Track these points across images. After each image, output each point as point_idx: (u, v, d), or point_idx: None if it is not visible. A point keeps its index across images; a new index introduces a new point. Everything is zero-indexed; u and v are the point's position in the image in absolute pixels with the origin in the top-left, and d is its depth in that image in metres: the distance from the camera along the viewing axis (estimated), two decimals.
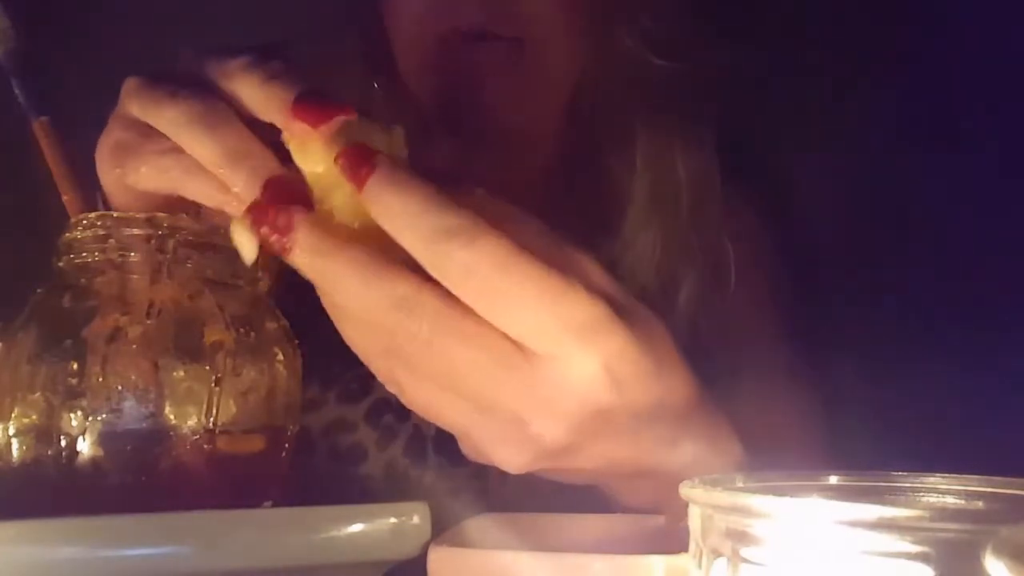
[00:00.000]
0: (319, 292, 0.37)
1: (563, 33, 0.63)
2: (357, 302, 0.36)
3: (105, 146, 0.43)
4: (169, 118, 0.40)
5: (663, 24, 0.65)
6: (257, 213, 0.36)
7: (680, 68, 0.64)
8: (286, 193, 0.37)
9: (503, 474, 0.41)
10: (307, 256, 0.35)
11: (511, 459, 0.39)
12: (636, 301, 0.39)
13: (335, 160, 0.36)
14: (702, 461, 0.43)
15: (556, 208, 0.36)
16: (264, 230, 0.36)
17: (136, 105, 0.41)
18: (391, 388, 0.40)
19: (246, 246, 0.36)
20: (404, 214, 0.35)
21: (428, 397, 0.39)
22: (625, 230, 0.66)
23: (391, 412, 0.63)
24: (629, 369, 0.37)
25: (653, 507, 0.45)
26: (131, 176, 0.41)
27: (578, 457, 0.40)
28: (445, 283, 0.35)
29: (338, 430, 0.64)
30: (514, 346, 0.36)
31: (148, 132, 0.41)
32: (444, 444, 0.62)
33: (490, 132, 0.64)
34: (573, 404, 0.37)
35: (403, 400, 0.40)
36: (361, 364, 0.65)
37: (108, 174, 0.43)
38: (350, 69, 0.67)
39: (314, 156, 0.37)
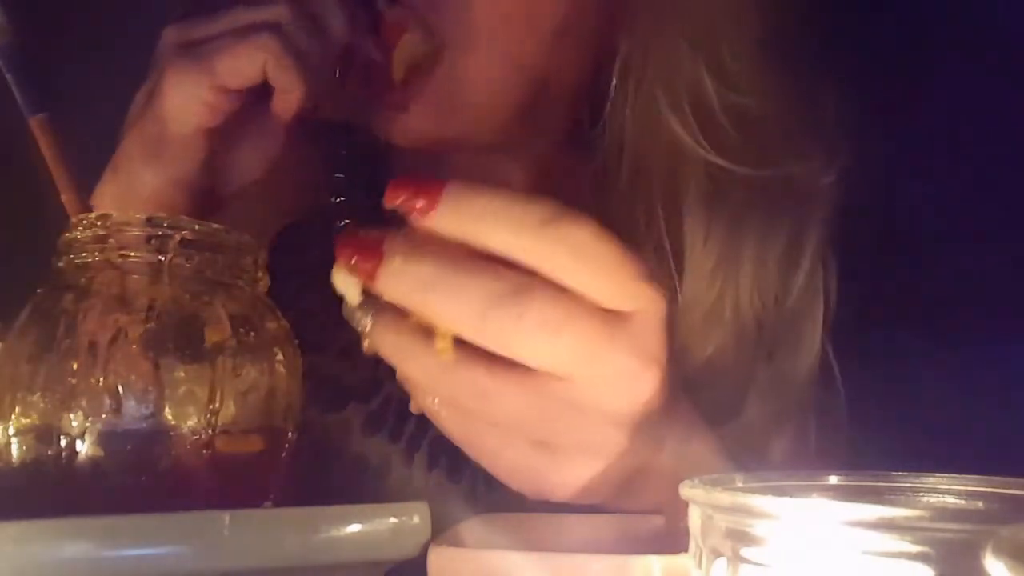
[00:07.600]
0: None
1: (491, 39, 0.58)
2: (456, 296, 0.38)
3: (170, 75, 0.47)
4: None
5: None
6: (345, 243, 0.39)
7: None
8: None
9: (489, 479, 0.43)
10: (400, 261, 0.38)
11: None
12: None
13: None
14: (685, 453, 0.45)
15: None
16: (355, 258, 0.39)
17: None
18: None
19: (349, 288, 0.40)
20: (496, 212, 0.38)
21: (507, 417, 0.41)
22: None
23: (392, 415, 0.63)
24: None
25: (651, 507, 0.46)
26: (220, 69, 0.47)
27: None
28: (553, 269, 0.38)
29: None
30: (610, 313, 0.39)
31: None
32: (441, 447, 0.62)
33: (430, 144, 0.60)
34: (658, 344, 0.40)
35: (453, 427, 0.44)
36: (371, 368, 0.63)
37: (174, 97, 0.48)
38: None
39: None
